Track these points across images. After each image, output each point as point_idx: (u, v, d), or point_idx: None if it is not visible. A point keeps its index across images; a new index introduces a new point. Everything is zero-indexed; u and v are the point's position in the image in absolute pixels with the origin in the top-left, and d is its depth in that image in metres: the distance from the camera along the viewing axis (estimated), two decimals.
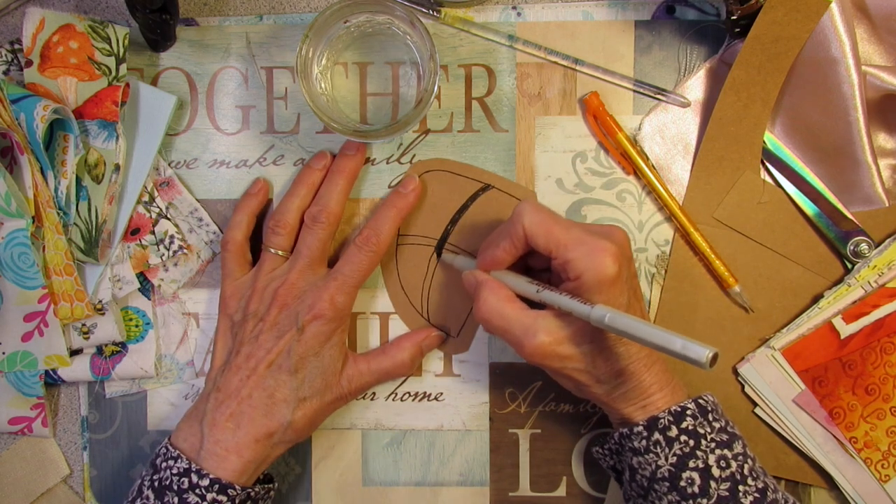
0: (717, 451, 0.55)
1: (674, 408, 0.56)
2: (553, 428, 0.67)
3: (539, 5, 0.65)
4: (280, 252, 0.64)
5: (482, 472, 0.67)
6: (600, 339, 0.56)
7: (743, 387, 0.65)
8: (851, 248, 0.64)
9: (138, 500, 0.59)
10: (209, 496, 0.58)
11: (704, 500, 0.55)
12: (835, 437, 0.64)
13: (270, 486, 0.62)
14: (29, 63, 0.64)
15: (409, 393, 0.67)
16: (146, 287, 0.67)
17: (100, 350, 0.67)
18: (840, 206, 0.64)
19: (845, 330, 0.64)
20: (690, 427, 0.56)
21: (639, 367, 0.56)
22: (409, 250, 0.67)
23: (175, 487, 0.58)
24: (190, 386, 0.68)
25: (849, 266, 0.64)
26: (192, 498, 0.58)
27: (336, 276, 0.62)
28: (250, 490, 0.60)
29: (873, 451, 0.64)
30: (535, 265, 0.62)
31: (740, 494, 0.55)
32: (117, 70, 0.64)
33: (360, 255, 0.63)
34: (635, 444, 0.57)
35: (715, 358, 0.49)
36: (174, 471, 0.58)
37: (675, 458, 0.55)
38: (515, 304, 0.58)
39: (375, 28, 0.64)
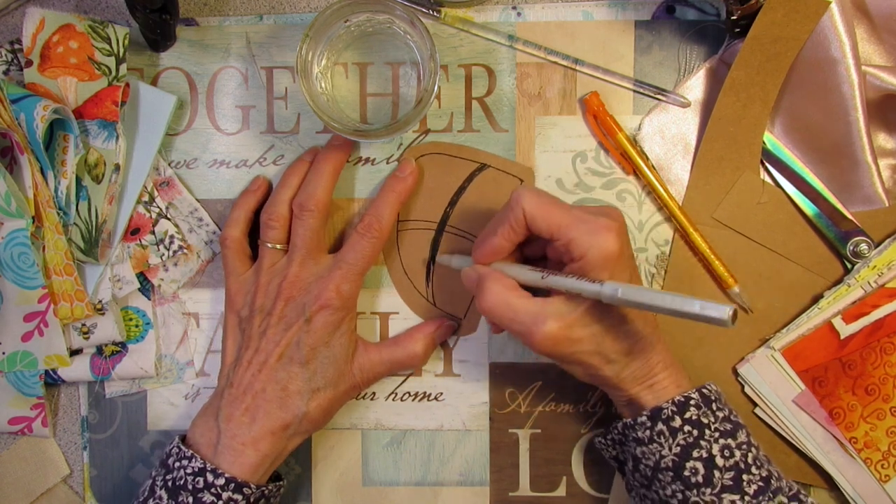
0: (721, 441, 0.55)
1: (677, 398, 0.56)
2: (553, 428, 0.67)
3: (539, 5, 0.65)
4: (277, 245, 0.64)
5: (482, 472, 0.67)
6: (607, 319, 0.56)
7: (743, 387, 0.65)
8: (851, 248, 0.64)
9: (150, 500, 0.59)
10: (224, 495, 0.58)
11: (708, 490, 0.55)
12: (835, 437, 0.64)
13: (281, 483, 0.63)
14: (29, 63, 0.64)
15: (409, 393, 0.67)
16: (146, 287, 0.67)
17: (100, 350, 0.67)
18: (840, 206, 0.64)
19: (845, 330, 0.64)
20: (694, 417, 0.56)
21: (645, 345, 0.57)
22: (410, 235, 0.67)
23: (190, 487, 0.58)
24: (190, 386, 0.68)
25: (849, 266, 0.64)
26: (207, 497, 0.57)
27: (340, 265, 0.62)
28: (264, 488, 0.60)
29: (873, 452, 0.64)
30: (532, 253, 0.62)
31: (744, 483, 0.55)
32: (117, 70, 0.64)
33: (364, 242, 0.62)
34: (639, 434, 0.57)
35: (735, 314, 0.48)
36: (188, 470, 0.58)
37: (678, 448, 0.55)
38: (520, 292, 0.57)
39: (376, 28, 0.64)
